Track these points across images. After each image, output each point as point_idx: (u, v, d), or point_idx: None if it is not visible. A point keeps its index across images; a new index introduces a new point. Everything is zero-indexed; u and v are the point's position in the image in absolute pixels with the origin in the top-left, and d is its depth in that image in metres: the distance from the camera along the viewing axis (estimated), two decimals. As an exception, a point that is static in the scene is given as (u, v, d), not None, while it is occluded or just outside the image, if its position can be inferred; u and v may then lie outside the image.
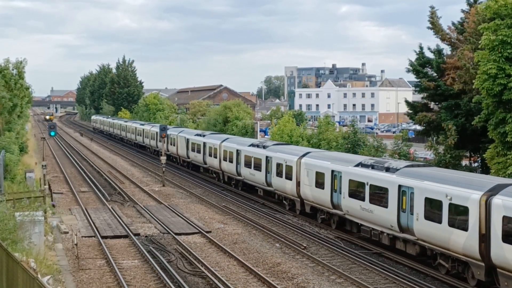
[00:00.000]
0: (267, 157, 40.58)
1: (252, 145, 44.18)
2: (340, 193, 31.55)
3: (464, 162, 43.63)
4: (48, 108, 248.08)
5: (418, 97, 55.36)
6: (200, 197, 44.69)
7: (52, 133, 44.75)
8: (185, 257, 27.83)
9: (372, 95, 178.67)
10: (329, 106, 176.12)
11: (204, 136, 55.26)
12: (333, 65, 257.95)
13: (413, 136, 71.85)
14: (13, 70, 55.59)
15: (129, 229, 33.01)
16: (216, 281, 23.85)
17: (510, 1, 30.63)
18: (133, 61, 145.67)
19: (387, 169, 28.35)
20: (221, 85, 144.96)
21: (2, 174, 38.19)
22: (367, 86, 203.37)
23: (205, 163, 53.46)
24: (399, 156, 44.76)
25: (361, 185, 29.66)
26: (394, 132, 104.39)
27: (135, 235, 31.78)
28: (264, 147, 42.17)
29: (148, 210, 38.68)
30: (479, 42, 32.38)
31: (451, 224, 23.54)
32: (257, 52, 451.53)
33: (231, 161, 46.95)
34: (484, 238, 22.09)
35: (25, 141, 65.65)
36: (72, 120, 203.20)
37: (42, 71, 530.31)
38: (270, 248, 29.78)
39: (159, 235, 32.53)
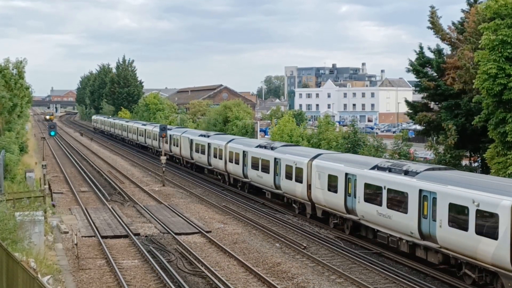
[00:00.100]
0: (275, 158, 39.21)
1: (260, 146, 42.96)
2: (355, 197, 30.11)
3: (464, 162, 43.66)
4: (48, 108, 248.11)
5: (418, 97, 55.34)
6: (200, 197, 44.69)
7: (52, 133, 44.76)
8: (185, 257, 27.83)
9: (372, 95, 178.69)
10: (329, 106, 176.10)
11: (208, 136, 54.05)
12: (333, 65, 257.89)
13: (413, 136, 71.98)
14: (13, 70, 55.62)
15: (129, 229, 33.01)
16: (216, 281, 23.85)
17: (510, 1, 30.62)
18: (133, 61, 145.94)
19: (406, 173, 26.96)
20: (221, 85, 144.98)
21: (2, 174, 38.19)
22: (367, 86, 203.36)
23: (210, 165, 52.26)
24: (399, 156, 44.74)
25: (378, 189, 28.20)
26: (394, 132, 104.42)
27: (135, 235, 31.78)
28: (272, 148, 40.79)
29: (148, 210, 38.68)
30: (479, 42, 32.38)
31: (479, 232, 22.11)
32: (257, 52, 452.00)
33: (237, 163, 45.65)
34: None
35: (25, 141, 65.69)
36: (72, 120, 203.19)
37: (42, 71, 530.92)
38: (270, 248, 29.77)
39: (159, 235, 32.52)
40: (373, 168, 29.35)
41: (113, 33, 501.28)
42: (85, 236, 31.82)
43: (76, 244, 28.25)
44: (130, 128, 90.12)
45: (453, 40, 42.96)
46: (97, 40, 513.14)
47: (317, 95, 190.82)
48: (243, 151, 44.60)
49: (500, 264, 21.45)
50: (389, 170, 28.17)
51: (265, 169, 40.55)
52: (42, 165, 43.08)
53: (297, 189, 36.20)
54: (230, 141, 48.85)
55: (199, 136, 56.26)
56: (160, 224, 34.74)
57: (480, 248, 22.12)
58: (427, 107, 45.14)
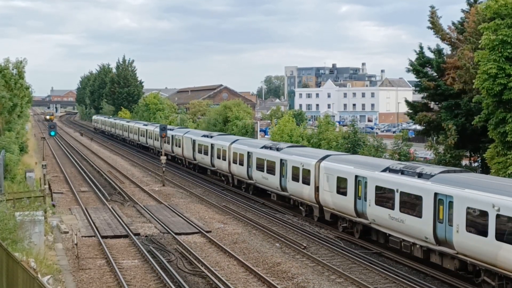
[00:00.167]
0: (281, 160, 38.33)
1: (265, 147, 42.14)
2: (365, 201, 29.17)
3: (464, 162, 43.67)
4: (48, 108, 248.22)
5: (418, 97, 55.38)
6: (200, 197, 44.69)
7: (52, 133, 44.74)
8: (185, 257, 27.83)
9: (372, 95, 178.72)
10: (329, 106, 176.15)
11: (211, 137, 53.12)
12: (333, 65, 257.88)
13: (413, 136, 71.98)
14: (13, 70, 55.63)
15: (129, 229, 33.01)
16: (216, 281, 23.85)
17: (510, 1, 30.62)
18: (133, 61, 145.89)
19: (420, 175, 26.04)
20: (221, 85, 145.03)
21: (2, 174, 38.20)
22: (367, 86, 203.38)
23: (213, 166, 51.39)
24: (399, 156, 44.75)
25: (390, 192, 27.23)
26: (394, 132, 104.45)
27: (135, 235, 31.78)
28: (278, 149, 39.87)
29: (148, 210, 38.68)
30: (479, 42, 32.38)
31: (499, 238, 21.19)
32: (257, 52, 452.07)
33: (241, 164, 44.83)
34: None
35: (25, 141, 65.72)
36: (72, 120, 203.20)
37: (42, 71, 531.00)
38: (270, 248, 29.77)
39: (159, 235, 32.52)
40: (384, 170, 28.47)
41: (113, 33, 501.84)
42: (85, 236, 31.82)
43: (76, 244, 28.25)
44: (131, 129, 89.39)
45: (453, 40, 42.97)
46: (97, 40, 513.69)
47: (317, 95, 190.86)
48: (248, 152, 43.79)
49: None
50: (402, 172, 27.27)
51: (271, 171, 39.74)
52: (42, 165, 43.08)
53: (304, 191, 35.35)
54: (234, 141, 48.05)
55: (202, 136, 55.44)
56: (160, 224, 34.74)
57: (501, 255, 21.22)
58: (427, 107, 45.15)
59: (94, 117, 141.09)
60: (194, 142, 56.57)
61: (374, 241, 29.62)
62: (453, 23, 44.05)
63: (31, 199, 31.42)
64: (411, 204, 26.03)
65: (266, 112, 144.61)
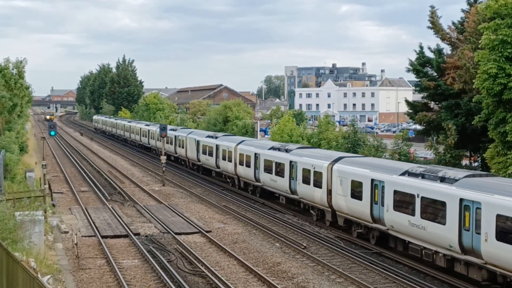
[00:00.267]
0: (291, 161, 37.02)
1: (273, 148, 40.80)
2: (383, 206, 27.90)
3: (464, 161, 43.70)
4: (48, 107, 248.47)
5: (418, 97, 55.44)
6: (200, 196, 44.68)
7: (52, 133, 44.75)
8: (185, 257, 27.83)
9: (372, 94, 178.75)
10: (329, 105, 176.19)
11: (216, 138, 51.78)
12: (333, 65, 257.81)
13: (413, 135, 72.04)
14: (13, 69, 55.67)
15: (129, 228, 33.01)
16: (216, 281, 23.85)
17: (510, 1, 30.63)
18: (133, 60, 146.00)
19: (443, 179, 24.74)
20: (221, 85, 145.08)
21: (2, 173, 38.20)
22: (367, 85, 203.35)
23: (218, 167, 50.16)
24: (399, 156, 44.77)
25: (410, 197, 25.92)
26: (394, 132, 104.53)
27: (135, 234, 31.78)
28: (287, 150, 38.55)
29: (148, 210, 38.68)
30: (479, 41, 32.39)
31: None
32: (257, 52, 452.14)
33: (248, 166, 43.58)
34: None
35: (25, 141, 65.73)
36: (72, 120, 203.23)
37: (42, 71, 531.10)
38: (270, 247, 29.78)
39: (159, 234, 32.52)
40: (403, 174, 27.17)
41: (113, 33, 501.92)
42: (85, 236, 31.82)
43: (76, 244, 28.26)
44: (133, 129, 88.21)
45: (453, 40, 42.99)
46: (97, 40, 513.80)
47: (317, 95, 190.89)
48: (255, 153, 42.55)
49: None
50: (422, 176, 25.98)
51: (280, 173, 38.50)
52: (42, 165, 43.08)
53: (316, 195, 34.10)
54: (240, 142, 46.67)
55: (207, 137, 54.16)
56: (160, 224, 34.74)
57: None
58: (427, 107, 45.16)
59: (95, 117, 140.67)
60: (198, 143, 55.34)
61: (392, 248, 28.35)
62: (453, 23, 44.09)
63: (31, 199, 31.42)
64: (434, 210, 24.71)
65: (266, 112, 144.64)
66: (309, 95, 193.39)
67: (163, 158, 51.33)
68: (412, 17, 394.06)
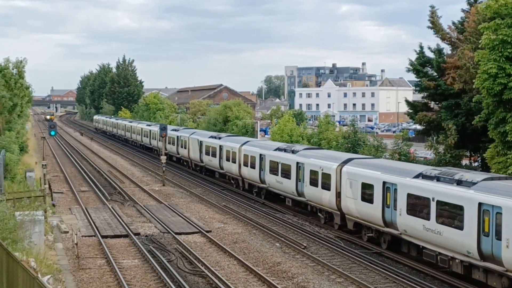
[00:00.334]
0: (298, 163, 36.19)
1: (279, 149, 39.93)
2: (395, 209, 27.06)
3: (464, 161, 43.69)
4: (48, 107, 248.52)
5: (418, 97, 55.43)
6: (200, 196, 44.68)
7: (52, 133, 44.75)
8: (185, 257, 27.83)
9: (372, 94, 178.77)
10: (329, 105, 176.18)
11: (220, 138, 50.88)
12: (333, 65, 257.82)
13: (413, 135, 72.04)
14: (13, 69, 55.70)
15: (129, 228, 33.01)
16: (216, 281, 23.86)
17: (510, 1, 30.62)
18: (133, 60, 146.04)
19: (459, 182, 23.88)
20: (221, 85, 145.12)
21: (2, 173, 38.20)
22: (367, 85, 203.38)
23: (222, 168, 49.30)
24: (399, 155, 44.77)
25: (425, 200, 25.10)
26: (394, 132, 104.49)
27: (135, 234, 31.79)
28: (293, 151, 37.71)
29: (148, 210, 38.69)
30: (479, 41, 32.38)
31: None
32: (257, 52, 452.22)
33: (253, 167, 42.63)
34: None
35: (25, 141, 65.72)
36: (72, 120, 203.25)
37: (42, 71, 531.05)
38: (270, 247, 29.78)
39: (159, 234, 32.53)
40: (417, 177, 26.37)
41: (113, 33, 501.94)
42: (85, 236, 31.82)
43: (76, 244, 28.26)
44: (134, 129, 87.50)
45: (453, 39, 42.98)
46: (97, 40, 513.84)
47: (317, 94, 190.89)
48: (260, 154, 41.65)
49: None
50: (437, 179, 25.12)
51: (286, 174, 37.61)
52: (42, 165, 43.08)
53: (324, 197, 33.26)
54: (244, 143, 45.78)
55: (210, 137, 53.22)
56: (160, 223, 34.75)
57: None
58: (427, 107, 45.15)
59: (95, 117, 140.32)
60: (201, 143, 54.38)
61: (404, 253, 27.62)
62: (453, 23, 44.07)
63: (31, 198, 31.43)
64: (450, 214, 23.85)
65: (266, 112, 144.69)
66: (309, 95, 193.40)
67: (163, 158, 51.33)
68: (412, 17, 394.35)
